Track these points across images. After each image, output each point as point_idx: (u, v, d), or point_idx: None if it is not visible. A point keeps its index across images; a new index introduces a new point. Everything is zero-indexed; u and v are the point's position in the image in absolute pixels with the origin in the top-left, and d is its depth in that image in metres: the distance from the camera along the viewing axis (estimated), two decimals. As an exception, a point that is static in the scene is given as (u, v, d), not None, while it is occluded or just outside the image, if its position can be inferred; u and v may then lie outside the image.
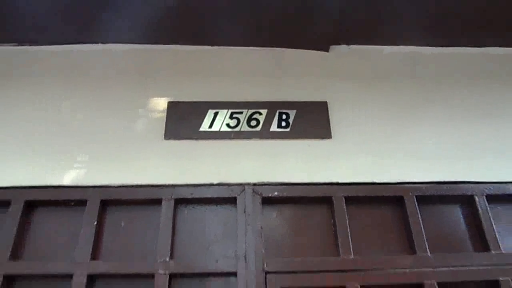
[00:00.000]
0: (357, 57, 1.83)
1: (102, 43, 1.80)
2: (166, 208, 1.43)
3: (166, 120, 1.61)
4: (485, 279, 1.37)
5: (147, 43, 1.80)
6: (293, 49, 1.82)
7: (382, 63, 1.82)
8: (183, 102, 1.66)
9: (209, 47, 1.82)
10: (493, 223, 1.46)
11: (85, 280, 1.29)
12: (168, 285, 1.30)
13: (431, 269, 1.36)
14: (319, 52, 1.82)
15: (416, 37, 1.84)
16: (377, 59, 1.83)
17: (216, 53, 1.81)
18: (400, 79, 1.78)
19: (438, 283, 1.33)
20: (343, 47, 1.86)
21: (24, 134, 1.57)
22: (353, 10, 1.63)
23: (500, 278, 1.35)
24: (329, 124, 1.63)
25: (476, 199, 1.50)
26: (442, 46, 1.86)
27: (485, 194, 1.51)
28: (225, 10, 1.63)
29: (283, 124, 1.62)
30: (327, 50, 1.83)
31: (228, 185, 1.49)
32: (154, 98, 1.67)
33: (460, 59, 1.84)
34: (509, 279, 1.35)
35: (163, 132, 1.59)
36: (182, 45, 1.80)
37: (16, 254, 1.35)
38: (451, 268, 1.37)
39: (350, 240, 1.40)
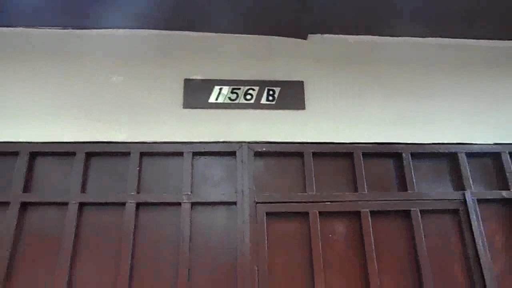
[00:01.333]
0: (328, 45, 2.37)
1: (128, 28, 2.29)
2: (187, 158, 2.04)
3: (184, 93, 2.17)
4: (402, 209, 2.05)
5: (163, 29, 2.30)
6: (278, 37, 2.35)
7: (347, 50, 2.38)
8: (195, 79, 2.20)
9: (214, 34, 2.33)
10: (412, 172, 2.12)
11: (134, 208, 1.92)
12: (190, 211, 1.95)
13: (366, 202, 2.03)
14: (298, 40, 2.36)
15: (372, 28, 2.38)
16: (343, 47, 2.38)
17: (219, 39, 2.32)
18: (360, 63, 2.35)
19: (370, 211, 2.01)
20: (318, 36, 2.39)
21: (70, 102, 2.11)
22: (328, 4, 2.14)
23: (411, 209, 2.04)
24: (304, 98, 2.21)
25: (404, 155, 2.15)
26: (393, 36, 2.42)
27: (410, 152, 2.16)
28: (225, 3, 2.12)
29: (270, 98, 2.19)
30: (305, 38, 2.36)
31: (230, 142, 2.09)
32: (173, 76, 2.21)
33: (404, 48, 2.41)
34: (417, 209, 2.04)
35: (182, 102, 2.15)
36: (192, 31, 2.31)
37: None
38: (380, 201, 2.05)
39: (313, 182, 2.05)
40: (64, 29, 2.26)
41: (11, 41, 2.23)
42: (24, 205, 1.91)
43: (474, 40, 2.45)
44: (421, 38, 2.43)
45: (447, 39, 2.43)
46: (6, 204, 1.88)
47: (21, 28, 2.24)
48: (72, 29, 2.26)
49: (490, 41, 2.46)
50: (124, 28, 2.29)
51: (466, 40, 2.45)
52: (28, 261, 1.83)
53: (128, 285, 1.79)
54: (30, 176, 1.98)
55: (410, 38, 2.42)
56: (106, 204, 1.94)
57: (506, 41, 2.47)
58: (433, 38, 2.43)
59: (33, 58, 2.19)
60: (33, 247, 1.86)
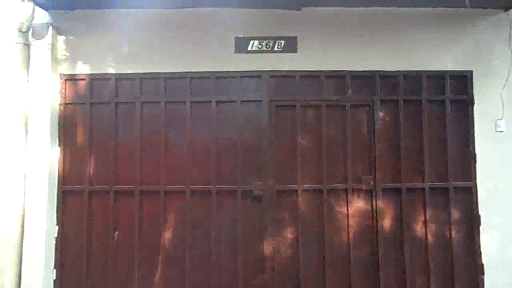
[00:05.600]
0: (316, 14, 4.26)
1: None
2: (239, 79, 4.19)
3: (235, 44, 4.21)
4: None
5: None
6: (281, 10, 4.24)
7: (328, 18, 4.27)
8: (240, 37, 4.23)
9: (242, 9, 4.25)
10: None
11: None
12: (241, 103, 4.16)
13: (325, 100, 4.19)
14: (295, 11, 4.25)
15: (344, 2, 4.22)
16: (328, 17, 4.27)
17: (242, 12, 4.25)
18: (342, 24, 4.26)
19: (327, 105, 4.17)
20: (308, 8, 4.27)
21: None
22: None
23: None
24: (297, 47, 4.22)
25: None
26: (360, 7, 4.26)
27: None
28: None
29: (279, 47, 4.21)
30: (300, 10, 4.25)
31: (258, 71, 4.20)
32: (229, 35, 4.23)
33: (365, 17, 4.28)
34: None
35: (234, 49, 4.22)
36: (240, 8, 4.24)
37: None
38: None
39: (300, 87, 4.20)
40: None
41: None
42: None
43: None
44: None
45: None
46: (157, 101, 4.16)
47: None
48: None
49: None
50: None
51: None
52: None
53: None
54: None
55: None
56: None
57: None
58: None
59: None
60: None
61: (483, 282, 4.07)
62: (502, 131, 4.18)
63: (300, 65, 4.21)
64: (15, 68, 4.02)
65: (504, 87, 4.18)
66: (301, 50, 4.23)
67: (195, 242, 4.11)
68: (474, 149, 4.18)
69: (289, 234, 4.13)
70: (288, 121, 4.21)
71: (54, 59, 4.16)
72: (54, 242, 4.10)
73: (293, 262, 4.09)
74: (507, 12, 4.27)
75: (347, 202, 4.16)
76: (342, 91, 4.25)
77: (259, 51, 4.22)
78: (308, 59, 4.22)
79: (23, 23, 3.86)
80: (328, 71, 4.22)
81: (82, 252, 4.09)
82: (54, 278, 4.06)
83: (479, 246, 4.11)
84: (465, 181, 4.16)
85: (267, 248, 4.08)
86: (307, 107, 4.22)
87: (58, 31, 4.18)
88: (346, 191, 4.17)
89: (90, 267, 4.10)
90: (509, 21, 4.26)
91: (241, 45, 4.22)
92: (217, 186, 4.15)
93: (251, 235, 4.11)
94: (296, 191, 4.14)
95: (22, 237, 3.98)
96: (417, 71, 4.22)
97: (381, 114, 4.22)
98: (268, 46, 4.22)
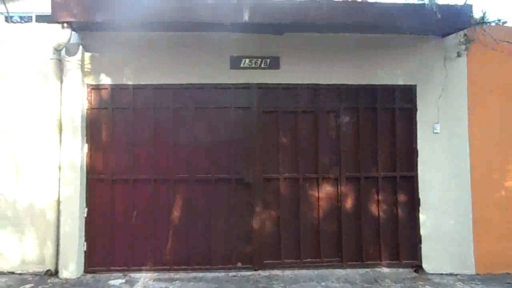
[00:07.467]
0: (296, 37, 5.33)
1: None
2: (232, 89, 5.25)
3: (230, 62, 5.25)
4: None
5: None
6: (266, 34, 5.28)
7: (307, 41, 5.36)
8: (234, 56, 5.26)
9: (240, 34, 5.28)
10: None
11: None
12: (234, 109, 5.23)
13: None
14: (278, 36, 5.31)
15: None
16: (304, 41, 5.34)
17: (242, 36, 5.29)
18: (315, 44, 5.35)
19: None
20: (289, 34, 5.32)
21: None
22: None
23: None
24: (280, 64, 5.29)
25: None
26: (329, 33, 5.36)
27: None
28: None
29: (265, 64, 5.27)
30: (281, 35, 5.30)
31: (248, 83, 5.26)
32: (225, 54, 5.26)
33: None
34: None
35: (229, 65, 5.25)
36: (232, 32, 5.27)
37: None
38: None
39: (281, 97, 5.30)
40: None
41: (156, 38, 5.24)
42: (173, 108, 5.22)
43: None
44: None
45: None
46: (167, 107, 5.19)
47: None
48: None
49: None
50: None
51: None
52: (178, 127, 5.24)
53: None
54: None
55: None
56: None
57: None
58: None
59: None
60: (179, 122, 5.24)
61: (421, 249, 5.31)
62: (437, 132, 5.38)
63: (282, 79, 5.30)
64: (50, 79, 4.96)
65: (439, 98, 5.37)
66: (283, 67, 5.31)
67: (198, 218, 5.18)
68: (416, 146, 5.37)
69: (272, 212, 5.26)
70: (272, 124, 5.31)
71: (82, 72, 5.11)
72: (84, 221, 5.09)
73: (276, 233, 5.23)
74: (443, 38, 5.44)
75: (318, 187, 5.32)
76: (314, 100, 5.36)
77: (249, 68, 5.27)
78: (288, 74, 5.30)
79: (60, 44, 4.79)
80: (304, 84, 5.32)
81: (107, 228, 5.11)
82: (85, 249, 5.06)
83: (419, 222, 5.33)
84: (408, 172, 5.37)
85: (256, 222, 5.20)
86: (287, 113, 5.32)
87: (85, 48, 5.12)
88: (317, 179, 5.32)
89: (113, 241, 5.12)
90: (444, 46, 5.43)
91: (235, 63, 5.26)
92: (215, 175, 5.22)
93: (243, 213, 5.22)
94: (278, 179, 5.27)
95: (58, 218, 4.96)
96: (373, 85, 5.37)
97: (345, 119, 5.37)
98: (256, 64, 5.28)
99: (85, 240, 5.07)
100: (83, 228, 5.07)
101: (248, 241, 5.20)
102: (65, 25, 4.66)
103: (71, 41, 4.91)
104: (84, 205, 5.10)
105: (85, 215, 5.10)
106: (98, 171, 5.16)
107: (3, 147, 5.07)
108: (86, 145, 5.15)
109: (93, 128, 5.19)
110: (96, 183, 5.15)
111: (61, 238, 4.94)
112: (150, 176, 5.17)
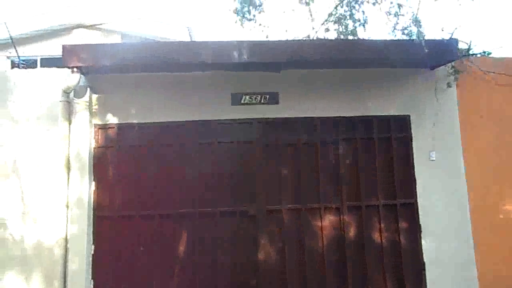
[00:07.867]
0: (292, 76, 5.60)
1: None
2: (235, 124, 5.47)
3: (231, 98, 5.49)
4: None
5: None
6: (266, 72, 5.57)
7: (302, 78, 5.63)
8: (234, 93, 5.51)
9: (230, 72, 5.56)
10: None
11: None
12: (232, 145, 5.42)
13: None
14: (276, 73, 5.58)
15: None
16: (301, 77, 5.62)
17: (238, 74, 5.56)
18: (310, 85, 5.61)
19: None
20: (286, 71, 5.60)
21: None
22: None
23: (318, 142, 5.51)
24: (279, 99, 5.54)
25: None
26: (326, 69, 5.64)
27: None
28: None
29: (264, 100, 5.51)
30: (279, 72, 5.58)
31: (252, 118, 5.47)
32: (226, 91, 5.51)
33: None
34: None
35: (230, 102, 5.49)
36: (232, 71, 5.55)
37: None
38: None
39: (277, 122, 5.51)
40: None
41: (160, 78, 5.51)
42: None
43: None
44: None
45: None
46: (172, 143, 5.38)
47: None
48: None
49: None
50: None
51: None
52: (182, 163, 5.40)
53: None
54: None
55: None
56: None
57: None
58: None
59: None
60: (183, 158, 5.41)
61: (425, 275, 5.36)
62: (434, 159, 5.56)
63: (281, 113, 5.53)
64: (59, 121, 5.16)
65: (433, 126, 5.59)
66: (282, 102, 5.55)
67: (203, 252, 5.25)
68: (414, 174, 5.54)
69: (277, 243, 5.35)
70: (273, 156, 5.49)
71: (90, 112, 5.32)
72: (91, 259, 5.14)
73: (281, 264, 5.29)
74: (434, 70, 5.72)
75: (320, 217, 5.43)
76: (313, 133, 5.57)
77: (250, 104, 5.51)
78: (287, 109, 5.54)
79: (69, 87, 5.03)
80: (303, 117, 5.54)
81: (114, 265, 5.16)
82: (92, 287, 5.09)
83: (421, 248, 5.42)
84: (408, 198, 5.51)
85: (261, 254, 5.26)
86: (287, 145, 5.52)
87: (93, 90, 5.36)
88: (319, 209, 5.44)
89: (120, 278, 5.16)
90: (435, 78, 5.71)
91: (235, 99, 5.50)
92: (219, 208, 5.33)
93: (248, 245, 5.30)
94: (281, 210, 5.38)
95: (65, 256, 5.02)
96: (369, 116, 5.60)
97: (344, 149, 5.56)
98: (256, 100, 5.52)
99: (92, 278, 5.11)
100: (90, 266, 5.12)
101: (253, 273, 5.25)
102: (75, 69, 4.91)
103: (80, 84, 5.15)
104: (92, 242, 5.17)
105: (92, 252, 5.16)
106: (105, 208, 5.27)
107: (12, 187, 5.19)
108: (93, 183, 5.28)
109: (100, 166, 5.34)
110: (103, 220, 5.25)
111: (68, 276, 4.98)
112: (155, 211, 5.28)
